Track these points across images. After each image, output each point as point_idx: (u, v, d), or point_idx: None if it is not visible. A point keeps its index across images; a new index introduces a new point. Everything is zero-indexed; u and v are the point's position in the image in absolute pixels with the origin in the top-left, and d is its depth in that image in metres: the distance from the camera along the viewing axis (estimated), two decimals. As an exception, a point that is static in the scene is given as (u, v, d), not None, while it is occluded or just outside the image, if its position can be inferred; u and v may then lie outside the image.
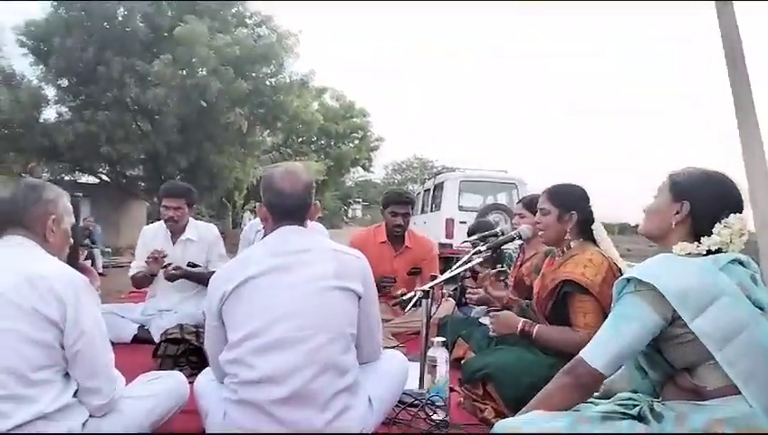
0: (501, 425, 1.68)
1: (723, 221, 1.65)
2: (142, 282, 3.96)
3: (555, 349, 2.37)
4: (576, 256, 2.46)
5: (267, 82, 17.58)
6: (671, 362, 1.64)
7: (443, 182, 10.07)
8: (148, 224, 4.44)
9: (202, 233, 4.04)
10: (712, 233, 1.65)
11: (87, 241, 12.61)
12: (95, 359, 1.77)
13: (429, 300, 2.66)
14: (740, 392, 1.50)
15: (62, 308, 1.69)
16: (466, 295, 3.46)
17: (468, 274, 3.64)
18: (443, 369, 2.44)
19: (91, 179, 18.78)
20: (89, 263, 9.11)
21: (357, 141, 33.78)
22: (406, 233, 4.29)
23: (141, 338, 3.67)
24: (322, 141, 32.40)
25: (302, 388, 1.80)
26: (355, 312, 1.96)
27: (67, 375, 1.77)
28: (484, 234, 3.51)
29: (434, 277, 2.98)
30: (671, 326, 1.58)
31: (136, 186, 18.92)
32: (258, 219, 4.75)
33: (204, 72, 15.76)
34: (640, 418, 1.62)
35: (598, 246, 2.51)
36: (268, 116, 18.08)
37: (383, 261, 4.11)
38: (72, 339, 1.71)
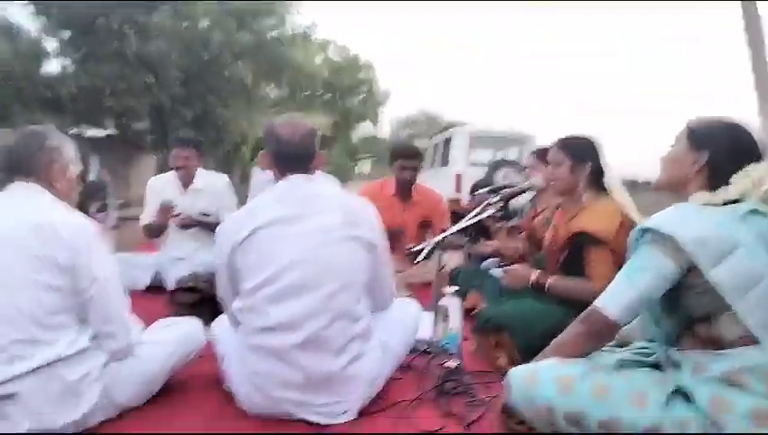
0: (516, 371, 1.70)
1: (741, 171, 1.62)
2: (154, 231, 3.97)
3: (569, 300, 2.37)
4: (589, 207, 2.44)
5: (269, 35, 17.29)
6: (688, 312, 1.63)
7: (452, 137, 9.92)
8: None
9: (212, 182, 4.06)
10: (730, 182, 1.62)
11: (101, 195, 12.66)
12: (108, 304, 1.80)
13: (440, 251, 2.67)
14: (758, 342, 1.49)
15: (73, 255, 1.71)
16: (479, 248, 3.47)
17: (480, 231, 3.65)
18: (456, 318, 2.46)
19: (98, 133, 18.71)
20: (103, 216, 9.15)
21: (363, 96, 33.38)
22: (414, 187, 4.27)
23: (156, 286, 3.71)
24: (328, 96, 32.02)
25: (316, 334, 1.82)
26: (365, 260, 1.96)
27: (82, 321, 1.79)
28: (495, 186, 3.50)
29: (444, 230, 2.98)
30: (688, 275, 1.57)
31: (143, 139, 18.84)
32: (269, 172, 4.75)
33: (205, 24, 15.50)
34: (656, 366, 1.63)
35: (611, 196, 2.49)
36: (272, 69, 17.87)
37: (393, 214, 4.10)
38: (85, 284, 1.74)
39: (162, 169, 15.95)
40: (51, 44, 16.50)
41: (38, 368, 1.66)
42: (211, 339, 2.17)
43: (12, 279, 1.67)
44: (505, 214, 3.48)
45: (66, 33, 16.27)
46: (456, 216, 6.97)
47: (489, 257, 3.67)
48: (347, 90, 31.82)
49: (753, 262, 1.52)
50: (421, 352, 2.45)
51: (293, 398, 1.85)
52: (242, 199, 4.16)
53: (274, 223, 1.88)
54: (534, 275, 2.54)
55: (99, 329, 1.81)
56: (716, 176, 1.65)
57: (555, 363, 1.67)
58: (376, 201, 3.93)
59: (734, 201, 1.61)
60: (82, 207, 2.12)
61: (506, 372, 1.76)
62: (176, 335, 2.08)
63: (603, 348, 1.77)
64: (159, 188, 4.02)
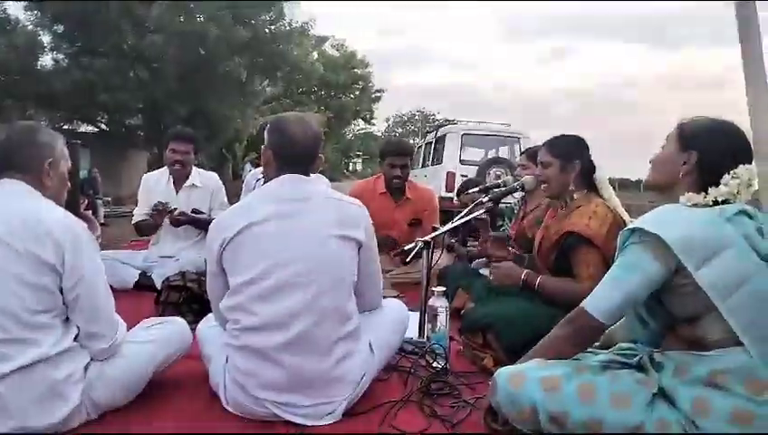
0: (502, 372, 1.70)
1: (731, 172, 1.62)
2: (146, 229, 3.96)
3: (558, 300, 2.37)
4: (580, 207, 2.44)
5: (266, 30, 17.23)
6: (673, 313, 1.64)
7: (445, 135, 9.96)
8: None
9: (206, 180, 4.04)
10: (719, 183, 1.62)
11: (91, 192, 12.63)
12: (95, 304, 1.78)
13: (430, 250, 2.66)
14: (741, 344, 1.50)
15: (60, 252, 1.69)
16: (468, 247, 3.46)
17: (469, 231, 3.64)
18: (443, 318, 2.45)
19: (90, 129, 18.63)
20: (90, 213, 9.11)
21: (358, 93, 33.40)
22: (406, 184, 4.26)
23: (143, 285, 3.68)
24: (323, 92, 32.04)
25: (304, 333, 1.81)
26: (355, 260, 1.96)
27: (68, 320, 1.77)
28: (486, 185, 3.49)
29: (435, 229, 2.97)
30: (675, 276, 1.57)
31: (135, 135, 18.77)
32: (259, 169, 4.72)
33: (202, 18, 15.43)
34: (640, 367, 1.64)
35: (601, 196, 2.49)
36: (267, 65, 17.82)
37: (383, 212, 4.08)
38: (71, 283, 1.71)
39: (155, 165, 15.91)
40: (45, 38, 16.41)
41: (21, 368, 1.63)
42: (197, 338, 2.15)
43: None
44: (494, 213, 3.48)
45: (60, 27, 16.15)
46: (447, 214, 7.00)
47: (478, 257, 3.66)
48: (342, 87, 31.80)
49: (740, 263, 1.53)
50: (408, 353, 2.43)
51: (278, 399, 1.83)
52: (234, 196, 4.13)
53: (266, 220, 1.87)
54: (524, 274, 2.53)
55: (84, 328, 1.79)
56: (706, 177, 1.65)
57: (540, 364, 1.68)
58: (367, 199, 3.95)
59: (723, 202, 1.61)
60: (72, 203, 2.09)
61: (492, 373, 1.76)
62: (161, 335, 2.05)
63: (588, 349, 1.77)
64: (153, 184, 4.00)
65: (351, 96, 33.13)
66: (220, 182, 4.17)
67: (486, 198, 2.95)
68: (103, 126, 18.24)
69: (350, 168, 47.72)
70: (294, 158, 1.95)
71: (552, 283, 2.46)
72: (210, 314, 2.15)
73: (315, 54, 25.52)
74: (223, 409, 1.93)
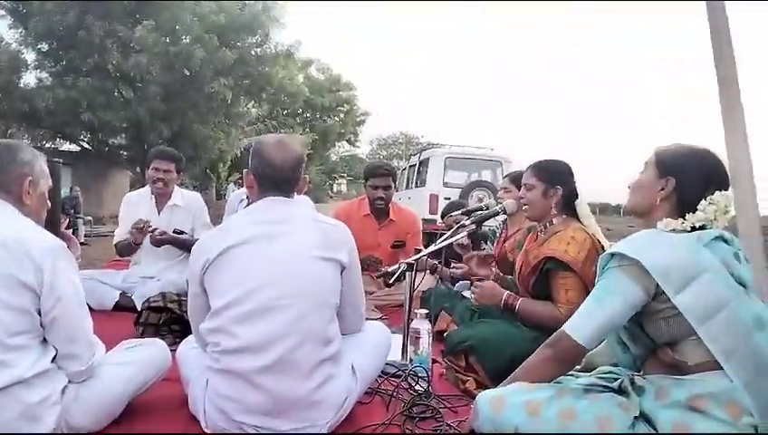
0: (483, 396, 1.70)
1: (708, 198, 1.65)
2: (126, 249, 3.90)
3: (537, 323, 2.39)
4: (559, 232, 2.46)
5: (252, 52, 17.30)
6: (653, 337, 1.66)
7: (428, 158, 10.09)
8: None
9: (188, 200, 4.00)
10: (696, 209, 1.65)
11: (72, 211, 12.51)
12: (73, 325, 1.75)
13: (413, 273, 2.66)
14: (721, 368, 1.52)
15: (39, 273, 1.66)
16: (451, 269, 3.47)
17: (452, 253, 3.66)
18: (426, 340, 2.45)
19: (73, 147, 18.50)
20: (71, 232, 9.01)
21: (343, 115, 33.55)
22: (390, 206, 4.27)
23: (123, 305, 3.62)
24: (308, 114, 32.12)
25: (285, 356, 1.79)
26: (338, 282, 1.95)
27: (45, 341, 1.74)
28: (468, 208, 3.51)
29: (418, 251, 2.98)
30: (654, 301, 1.59)
31: (118, 154, 18.64)
32: (242, 190, 4.71)
33: (187, 40, 15.47)
34: (621, 391, 1.64)
35: (581, 222, 2.51)
36: (253, 87, 17.85)
37: (367, 234, 4.09)
38: (49, 305, 1.69)
39: (137, 184, 15.79)
40: (29, 56, 16.35)
41: None
42: (177, 361, 2.12)
43: None
44: (476, 236, 3.50)
45: (44, 46, 16.09)
46: (431, 236, 7.00)
47: (460, 280, 3.66)
48: (327, 109, 31.93)
49: (718, 288, 1.55)
50: (391, 375, 2.42)
51: (259, 423, 1.81)
52: (217, 216, 4.11)
53: (247, 242, 1.86)
54: (505, 295, 2.55)
55: (61, 350, 1.76)
56: (683, 203, 1.68)
57: (522, 388, 1.68)
58: (351, 220, 3.96)
59: (700, 228, 1.64)
60: (52, 222, 2.07)
61: (475, 396, 1.76)
62: (139, 357, 2.02)
63: (569, 372, 1.77)
64: (134, 204, 3.96)
65: (336, 118, 33.26)
66: (203, 202, 4.14)
67: (469, 221, 2.96)
68: (86, 145, 18.10)
69: (335, 189, 47.73)
70: (275, 181, 1.95)
71: (532, 306, 2.47)
72: (191, 336, 2.12)
73: (301, 77, 25.64)
74: (203, 433, 1.90)
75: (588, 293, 1.72)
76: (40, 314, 1.70)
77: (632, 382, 1.65)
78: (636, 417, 1.55)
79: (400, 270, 2.65)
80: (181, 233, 3.82)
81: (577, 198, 2.55)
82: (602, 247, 2.36)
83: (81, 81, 14.99)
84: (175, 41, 15.46)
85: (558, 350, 1.67)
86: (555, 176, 2.55)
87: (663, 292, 1.55)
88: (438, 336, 2.85)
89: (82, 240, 11.33)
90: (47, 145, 17.38)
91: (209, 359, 1.87)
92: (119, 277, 3.90)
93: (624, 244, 1.65)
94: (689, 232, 1.64)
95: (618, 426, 1.53)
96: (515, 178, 3.33)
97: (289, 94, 20.66)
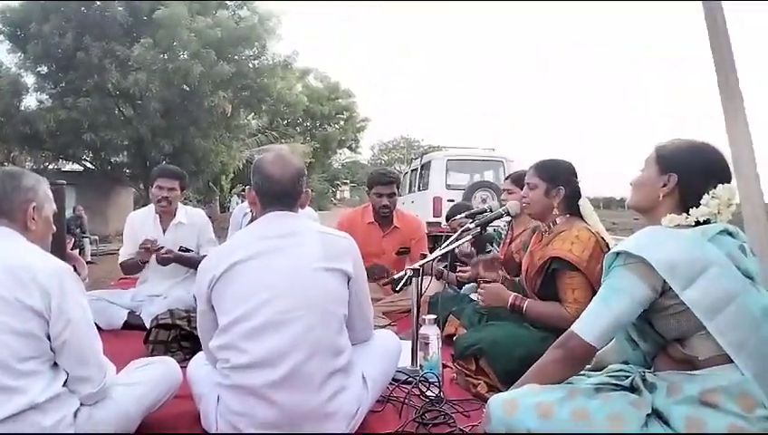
0: (495, 399, 1.70)
1: (710, 192, 1.65)
2: (132, 269, 3.91)
3: (544, 324, 2.38)
4: (563, 232, 2.46)
5: (250, 65, 17.33)
6: (662, 334, 1.65)
7: (430, 161, 10.11)
8: (135, 210, 4.38)
9: (192, 217, 3.99)
10: (700, 204, 1.65)
11: (78, 230, 12.57)
12: (83, 348, 1.76)
13: (419, 278, 2.66)
14: (731, 361, 1.51)
15: (47, 298, 1.67)
16: (457, 273, 3.47)
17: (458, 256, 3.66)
18: (435, 346, 2.45)
19: (76, 167, 18.53)
20: (77, 252, 9.04)
21: (342, 122, 33.60)
22: (394, 213, 4.27)
23: (132, 324, 3.63)
24: (308, 123, 32.17)
25: (296, 370, 1.79)
26: (345, 292, 1.96)
27: (55, 365, 1.75)
28: (473, 211, 3.51)
29: (423, 256, 2.98)
30: (661, 298, 1.59)
31: (121, 172, 18.68)
32: (246, 203, 4.73)
33: (185, 56, 15.51)
34: (632, 389, 1.64)
35: (585, 221, 2.51)
36: (252, 99, 17.86)
37: (371, 241, 4.10)
38: (59, 329, 1.69)
39: (141, 202, 15.83)
40: (29, 80, 16.44)
41: (10, 416, 1.61)
42: (188, 378, 2.13)
43: None
44: (481, 239, 3.49)
45: (43, 68, 16.19)
46: (436, 239, 6.99)
47: (467, 282, 3.66)
48: (327, 117, 31.99)
49: (725, 282, 1.55)
50: (401, 382, 2.42)
51: (272, 438, 1.81)
52: (222, 229, 4.12)
53: (253, 257, 1.87)
54: (511, 297, 2.54)
55: (72, 373, 1.76)
56: (686, 198, 1.68)
57: (534, 390, 1.67)
58: (355, 228, 3.97)
59: (705, 222, 1.64)
60: (57, 244, 2.08)
61: (486, 400, 1.75)
62: (150, 376, 2.03)
63: (580, 372, 1.77)
64: (139, 223, 3.95)
65: (336, 126, 33.31)
66: (207, 218, 4.14)
67: (473, 224, 2.96)
68: (88, 164, 18.15)
69: (338, 196, 47.82)
70: (276, 195, 1.97)
71: (539, 307, 2.47)
72: (201, 352, 2.13)
73: (299, 86, 25.68)
74: (216, 449, 1.91)
75: (594, 292, 1.73)
76: (49, 339, 1.70)
77: (643, 380, 1.65)
78: (648, 414, 1.55)
79: (407, 276, 2.66)
80: (187, 250, 3.82)
81: (580, 197, 2.55)
82: (607, 246, 2.36)
83: (81, 101, 15.04)
84: (173, 57, 15.49)
85: (568, 350, 1.67)
86: (558, 175, 2.55)
87: (670, 288, 1.55)
88: (447, 341, 2.85)
89: (89, 259, 11.38)
90: (50, 166, 17.45)
91: (219, 375, 1.88)
92: (127, 296, 3.91)
93: (629, 242, 1.65)
94: (693, 227, 1.64)
95: (631, 424, 1.53)
96: (518, 179, 3.33)
97: (288, 104, 20.65)
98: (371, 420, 2.10)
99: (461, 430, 2.04)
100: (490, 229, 3.69)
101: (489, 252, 3.85)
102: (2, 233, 1.77)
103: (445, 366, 2.57)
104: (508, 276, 2.92)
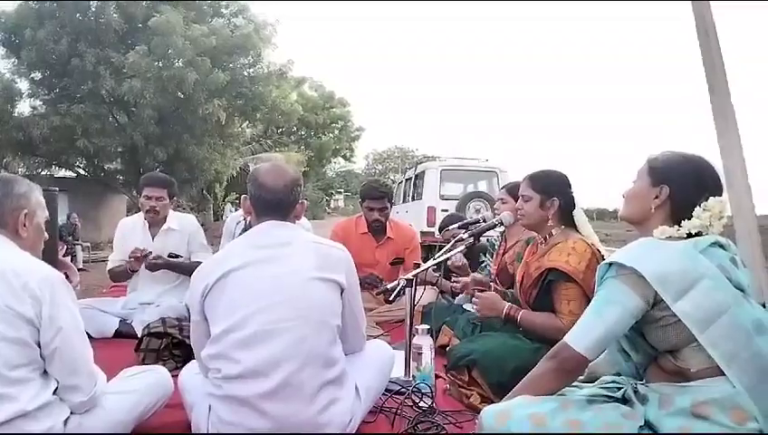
0: (488, 411, 1.69)
1: (702, 204, 1.66)
2: (121, 276, 3.88)
3: (539, 335, 2.39)
4: (559, 243, 2.46)
5: (245, 73, 17.35)
6: (654, 345, 1.66)
7: (424, 171, 10.14)
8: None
9: (182, 223, 3.96)
10: (691, 216, 1.66)
11: (70, 238, 12.51)
12: (73, 356, 1.74)
13: (413, 288, 2.66)
14: (723, 373, 1.52)
15: (38, 306, 1.66)
16: (452, 283, 3.47)
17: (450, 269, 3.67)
18: (428, 356, 2.44)
19: (69, 174, 18.47)
20: (69, 259, 8.99)
21: (337, 132, 33.70)
22: (387, 223, 4.25)
23: (123, 332, 3.59)
24: (303, 132, 32.26)
25: (287, 380, 1.79)
26: (338, 303, 1.96)
27: (45, 373, 1.73)
28: (466, 221, 3.52)
29: (417, 265, 2.98)
30: (653, 309, 1.59)
31: (114, 179, 18.63)
32: (239, 212, 4.71)
33: (180, 63, 15.52)
34: (625, 400, 1.64)
35: (579, 232, 2.52)
36: (247, 107, 17.87)
37: (365, 252, 4.09)
38: (49, 337, 1.68)
39: (134, 208, 15.76)
40: (22, 86, 16.40)
41: (0, 423, 1.59)
42: (179, 387, 2.12)
43: None
44: (475, 249, 3.50)
45: (37, 75, 16.15)
46: (430, 248, 7.00)
47: (461, 293, 3.66)
48: (321, 126, 32.07)
49: (717, 294, 1.56)
50: (394, 393, 2.41)
51: (263, 449, 1.80)
52: (216, 237, 4.10)
53: (246, 266, 1.87)
54: (506, 307, 2.55)
55: (63, 382, 1.75)
56: (678, 210, 1.69)
57: (527, 401, 1.67)
58: (349, 238, 3.97)
59: (696, 234, 1.65)
60: (50, 251, 2.07)
61: (479, 411, 1.75)
62: (141, 385, 2.02)
63: (572, 383, 1.77)
64: (129, 230, 3.92)
65: (331, 135, 33.39)
66: (197, 224, 4.11)
67: (466, 234, 2.97)
68: (82, 171, 18.09)
69: (332, 205, 47.81)
70: (271, 204, 1.97)
71: (533, 317, 2.47)
72: (193, 361, 2.11)
73: (294, 95, 25.73)
74: (206, 459, 1.89)
75: (589, 303, 1.73)
76: (39, 347, 1.69)
77: (635, 391, 1.65)
78: (641, 426, 1.55)
79: (400, 286, 2.65)
80: (177, 257, 3.80)
81: (574, 207, 2.56)
82: (602, 257, 2.37)
83: (75, 107, 15.01)
84: (167, 65, 15.50)
85: (560, 361, 1.67)
86: (551, 187, 2.56)
87: (662, 300, 1.56)
88: (440, 351, 2.84)
89: (81, 266, 11.34)
90: (43, 173, 17.36)
91: (211, 385, 1.87)
92: (117, 304, 3.86)
93: (621, 253, 1.65)
94: (685, 239, 1.65)
95: (623, 435, 1.53)
96: (511, 190, 3.34)
97: (283, 113, 20.68)
98: (364, 431, 2.09)
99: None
100: (483, 240, 3.69)
101: (483, 262, 3.85)
102: None
103: (438, 377, 2.56)
104: (499, 288, 2.92)
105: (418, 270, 2.77)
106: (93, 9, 15.47)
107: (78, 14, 15.26)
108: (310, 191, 34.88)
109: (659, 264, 1.58)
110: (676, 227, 1.67)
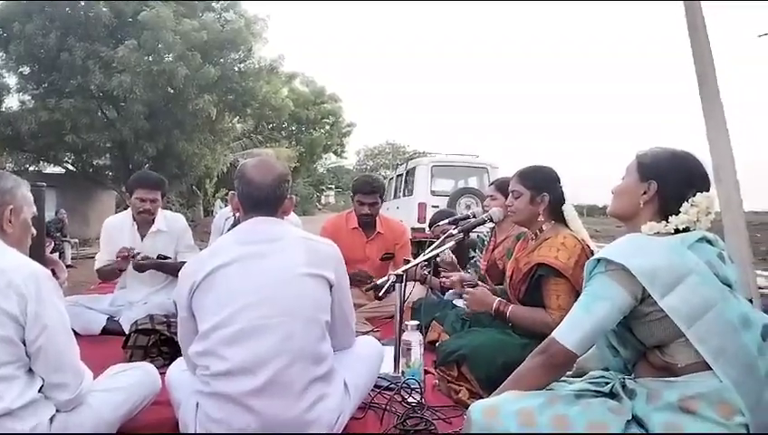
0: (476, 406, 1.69)
1: (690, 200, 1.67)
2: (109, 275, 3.85)
3: (528, 330, 2.39)
4: (549, 239, 2.47)
5: (236, 68, 17.26)
6: (642, 340, 1.66)
7: (415, 167, 10.14)
8: (117, 213, 4.28)
9: (171, 223, 3.90)
10: (679, 212, 1.67)
11: (58, 234, 12.41)
12: (59, 353, 1.73)
13: (403, 284, 2.66)
14: (710, 368, 1.52)
15: (23, 303, 1.64)
16: (441, 278, 3.47)
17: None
18: (417, 352, 2.44)
19: (57, 169, 18.32)
20: (57, 255, 8.92)
21: (328, 127, 33.64)
22: (377, 218, 4.26)
23: (110, 330, 3.56)
24: (293, 128, 32.16)
25: (276, 377, 1.78)
26: (327, 299, 1.95)
27: (31, 371, 1.72)
28: (456, 217, 3.52)
29: (407, 262, 2.98)
30: (641, 305, 1.60)
31: (103, 175, 18.49)
32: (228, 208, 4.69)
33: (170, 58, 15.41)
34: (612, 395, 1.64)
35: (569, 227, 2.52)
36: (237, 102, 17.78)
37: (355, 247, 4.09)
38: (35, 334, 1.66)
39: (123, 205, 15.65)
40: (11, 80, 16.24)
41: None
42: (167, 384, 2.10)
43: None
44: (464, 245, 3.50)
45: (26, 69, 15.99)
46: (419, 244, 7.01)
47: (450, 288, 3.66)
48: (312, 122, 31.98)
49: (704, 289, 1.56)
50: (383, 389, 2.41)
51: (251, 446, 1.79)
52: (205, 233, 4.07)
53: (233, 263, 1.86)
54: (496, 302, 2.55)
55: (48, 379, 1.73)
56: (666, 206, 1.70)
57: (515, 396, 1.67)
58: (339, 234, 3.96)
59: (684, 230, 1.65)
60: (37, 247, 2.05)
61: (468, 406, 1.75)
62: (128, 382, 2.01)
63: (561, 378, 1.78)
64: (116, 230, 3.84)
65: (322, 130, 33.32)
66: (186, 224, 4.06)
67: (456, 230, 2.97)
68: (70, 166, 17.93)
69: (323, 200, 47.73)
70: (258, 200, 1.96)
71: (523, 312, 2.48)
72: (180, 358, 2.10)
73: (285, 90, 25.63)
74: (194, 456, 1.88)
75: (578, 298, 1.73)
76: (25, 344, 1.67)
77: (623, 386, 1.65)
78: (628, 420, 1.55)
79: (389, 282, 2.65)
80: (165, 258, 3.75)
81: (564, 202, 2.57)
82: (592, 252, 2.37)
83: (64, 102, 14.87)
84: (157, 59, 15.38)
85: (548, 356, 1.67)
86: (541, 182, 2.57)
87: (650, 295, 1.56)
88: (430, 346, 2.84)
89: (69, 263, 11.25)
90: (31, 168, 17.22)
91: (199, 382, 1.86)
92: (105, 302, 3.82)
93: (609, 249, 1.66)
94: (673, 235, 1.66)
95: (611, 431, 1.53)
96: (501, 186, 3.34)
97: (274, 108, 20.59)
98: (353, 427, 2.09)
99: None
100: (473, 235, 3.70)
101: (472, 258, 3.86)
102: None
103: (427, 372, 2.57)
104: (488, 286, 2.93)
105: (408, 266, 2.77)
106: (83, 3, 15.32)
107: (67, 8, 15.08)
108: (300, 187, 34.81)
109: (647, 260, 1.58)
110: (664, 222, 1.68)
